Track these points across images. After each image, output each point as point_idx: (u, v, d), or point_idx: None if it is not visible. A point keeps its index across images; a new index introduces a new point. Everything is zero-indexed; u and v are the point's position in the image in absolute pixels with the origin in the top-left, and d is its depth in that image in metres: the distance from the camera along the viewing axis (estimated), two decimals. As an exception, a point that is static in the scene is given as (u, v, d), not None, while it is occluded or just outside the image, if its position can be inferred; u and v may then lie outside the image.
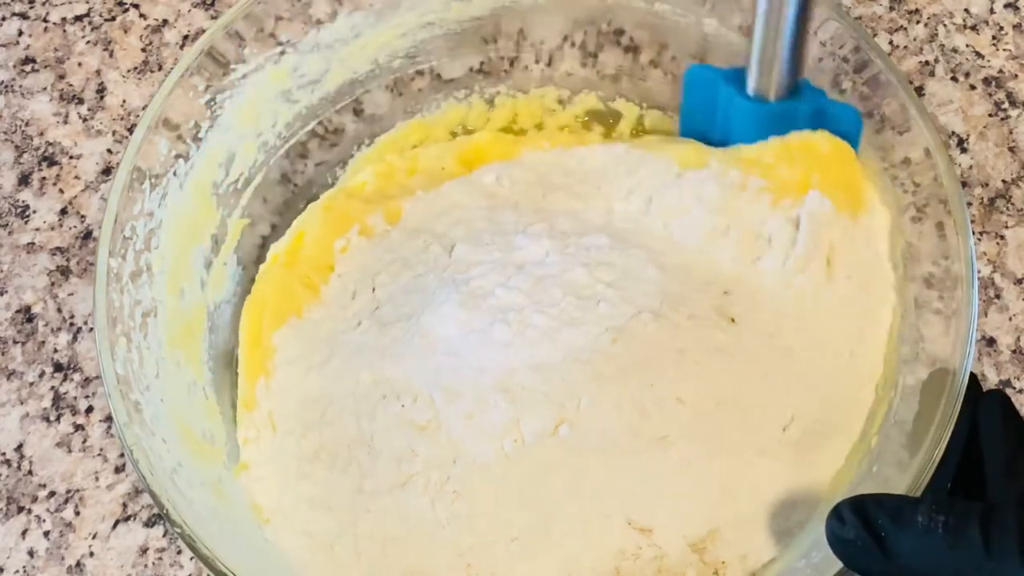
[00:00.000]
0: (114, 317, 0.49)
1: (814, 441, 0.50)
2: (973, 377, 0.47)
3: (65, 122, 0.66)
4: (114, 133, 0.66)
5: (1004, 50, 0.68)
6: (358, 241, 0.57)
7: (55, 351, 0.60)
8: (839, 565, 0.43)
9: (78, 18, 0.69)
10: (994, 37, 0.69)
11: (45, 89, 0.67)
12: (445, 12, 0.59)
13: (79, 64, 0.68)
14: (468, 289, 0.52)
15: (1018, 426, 0.46)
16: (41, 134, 0.66)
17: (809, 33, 0.50)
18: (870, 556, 0.41)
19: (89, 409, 0.58)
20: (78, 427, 0.58)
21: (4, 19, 0.69)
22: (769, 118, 0.53)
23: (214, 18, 0.69)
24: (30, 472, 0.57)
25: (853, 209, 0.52)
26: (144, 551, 0.55)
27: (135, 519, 0.56)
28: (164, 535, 0.55)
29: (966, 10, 0.69)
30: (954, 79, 0.67)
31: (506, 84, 0.63)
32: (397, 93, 0.62)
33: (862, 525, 0.41)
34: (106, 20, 0.69)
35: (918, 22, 0.69)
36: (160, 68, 0.68)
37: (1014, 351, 0.60)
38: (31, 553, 0.55)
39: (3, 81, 0.67)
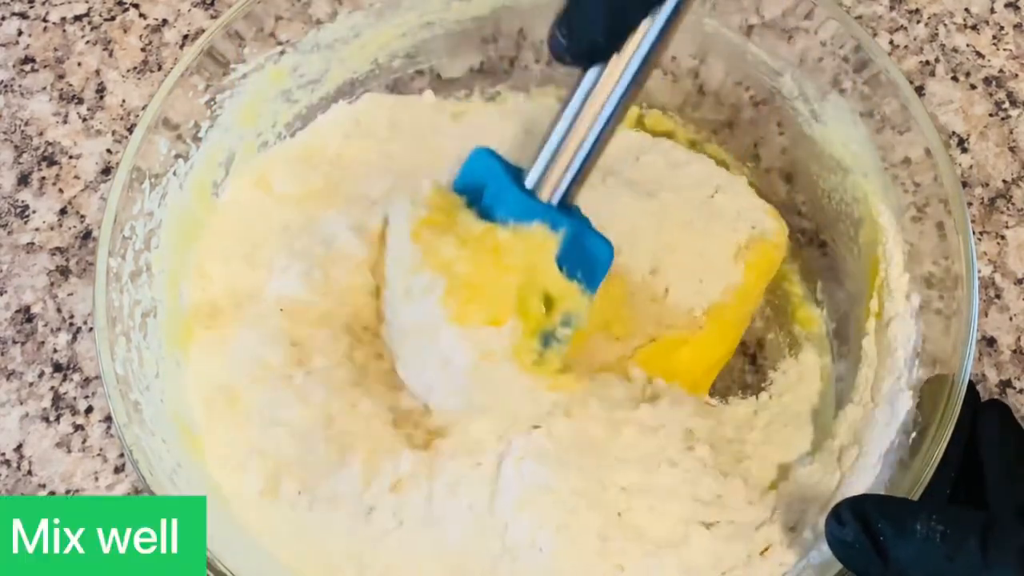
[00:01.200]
0: (114, 317, 0.49)
1: None
2: (971, 385, 0.47)
3: (65, 122, 0.66)
4: (114, 133, 0.66)
5: (1004, 50, 0.68)
6: None
7: (55, 351, 0.60)
8: (839, 566, 0.44)
9: (78, 18, 0.69)
10: (994, 37, 0.69)
11: (45, 89, 0.67)
12: (445, 12, 0.59)
13: (79, 64, 0.68)
14: None
15: (1017, 436, 0.47)
16: (41, 134, 0.66)
17: (602, 151, 0.48)
18: (868, 560, 0.41)
19: (89, 409, 0.58)
20: (78, 427, 0.58)
21: (4, 19, 0.69)
22: (532, 214, 0.49)
23: (214, 18, 0.68)
24: (30, 472, 0.57)
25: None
26: (144, 551, 0.55)
27: (135, 519, 0.56)
28: (164, 535, 0.55)
29: (966, 10, 0.69)
30: (954, 79, 0.67)
31: (506, 84, 0.63)
32: (397, 93, 0.62)
33: (861, 528, 0.41)
34: (106, 20, 0.69)
35: (918, 22, 0.69)
36: (160, 68, 0.68)
37: (1014, 351, 0.60)
38: (31, 553, 0.55)
39: (3, 81, 0.67)
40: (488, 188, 0.51)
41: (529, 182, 0.49)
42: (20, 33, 0.69)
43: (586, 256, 0.50)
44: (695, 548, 0.48)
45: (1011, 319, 0.61)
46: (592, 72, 0.45)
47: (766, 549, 0.49)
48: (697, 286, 0.56)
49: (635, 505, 0.49)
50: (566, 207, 0.49)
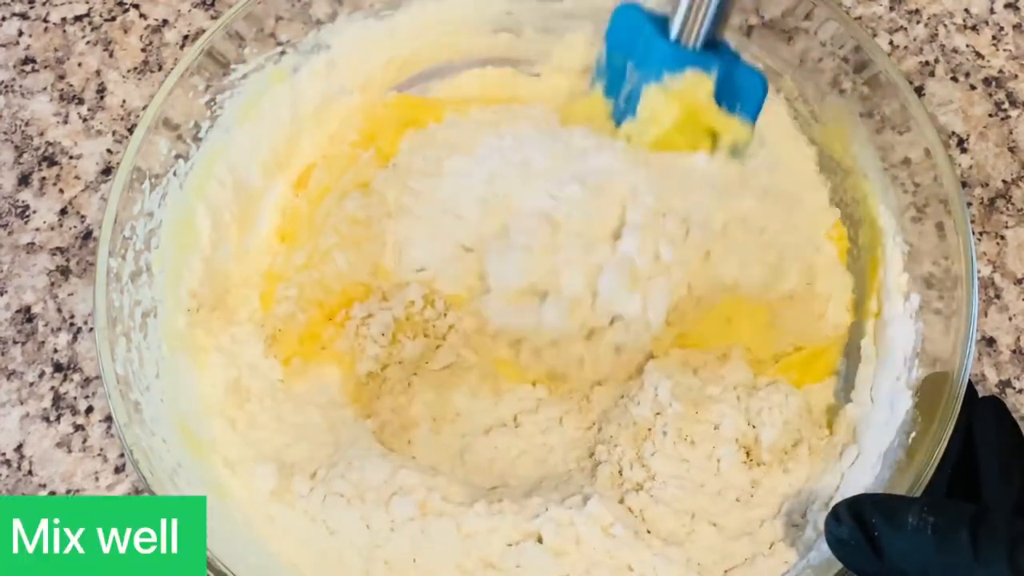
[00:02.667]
0: (114, 317, 0.49)
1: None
2: (969, 383, 0.47)
3: (65, 122, 0.66)
4: (114, 133, 0.66)
5: (1004, 50, 0.68)
6: None
7: (55, 351, 0.60)
8: (839, 565, 0.44)
9: (78, 18, 0.69)
10: (994, 37, 0.69)
11: (45, 89, 0.67)
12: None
13: (79, 64, 0.68)
14: None
15: (1013, 432, 0.47)
16: (41, 134, 0.66)
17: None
18: (864, 556, 0.41)
19: (89, 409, 0.58)
20: (78, 427, 0.58)
21: (4, 19, 0.69)
22: (683, 62, 0.52)
23: (214, 18, 0.68)
24: (30, 472, 0.57)
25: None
26: (144, 551, 0.55)
27: (135, 519, 0.56)
28: (164, 535, 0.55)
29: (966, 10, 0.69)
30: (954, 79, 0.67)
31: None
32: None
33: (857, 525, 0.41)
34: (106, 20, 0.69)
35: (918, 22, 0.69)
36: (160, 68, 0.68)
37: (1014, 351, 0.60)
38: (31, 553, 0.55)
39: (3, 81, 0.67)
40: (635, 48, 0.53)
41: (673, 33, 0.51)
42: (20, 33, 0.69)
43: (741, 89, 0.52)
44: (701, 545, 0.49)
45: (1011, 319, 0.61)
46: None
47: (769, 547, 0.49)
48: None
49: (647, 501, 0.49)
50: (713, 47, 0.51)
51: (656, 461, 0.50)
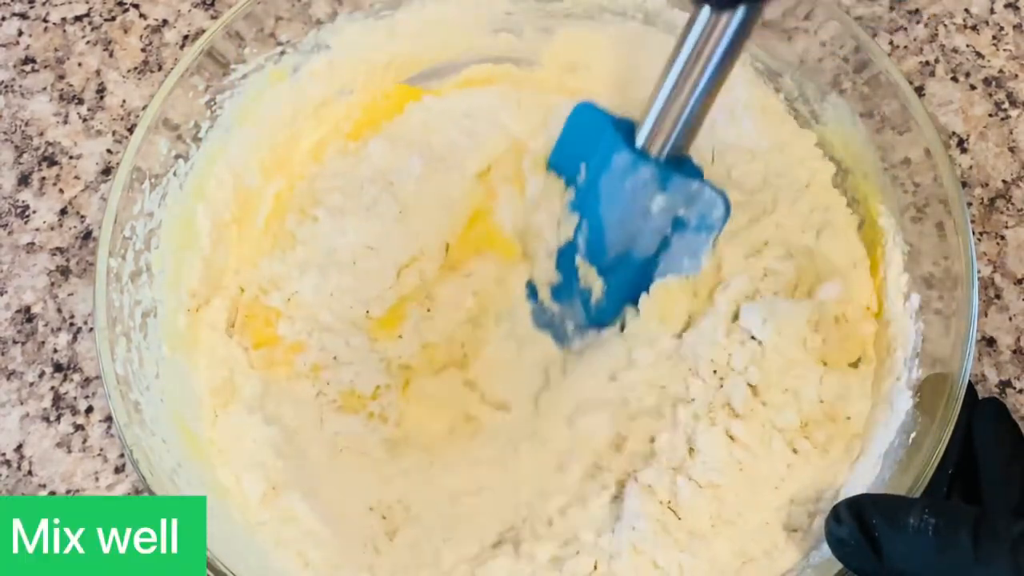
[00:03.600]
0: (114, 317, 0.49)
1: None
2: (968, 384, 0.47)
3: (65, 122, 0.66)
4: (114, 133, 0.66)
5: (1004, 50, 0.68)
6: None
7: (55, 351, 0.60)
8: (840, 566, 0.44)
9: (78, 18, 0.69)
10: (994, 37, 0.69)
11: (45, 89, 0.67)
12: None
13: (79, 64, 0.68)
14: None
15: (1013, 434, 0.47)
16: (41, 134, 0.66)
17: (715, 98, 0.48)
18: (864, 556, 0.41)
19: (89, 409, 0.58)
20: (78, 427, 0.58)
21: (4, 19, 0.69)
22: (646, 174, 0.50)
23: (214, 18, 0.68)
24: (30, 472, 0.57)
25: None
26: (144, 551, 0.55)
27: (135, 519, 0.56)
28: (164, 535, 0.55)
29: (966, 10, 0.69)
30: (954, 79, 0.67)
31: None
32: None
33: (858, 526, 0.41)
34: (106, 20, 0.69)
35: (918, 22, 0.69)
36: (160, 68, 0.68)
37: (1014, 351, 0.60)
38: (31, 553, 0.55)
39: (3, 81, 0.67)
40: (594, 150, 0.52)
41: (639, 140, 0.49)
42: (20, 33, 0.69)
43: (701, 207, 0.50)
44: (724, 538, 0.49)
45: (1011, 319, 0.61)
46: (703, 17, 0.44)
47: (783, 541, 0.49)
48: None
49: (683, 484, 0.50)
50: (678, 160, 0.49)
51: (703, 439, 0.50)
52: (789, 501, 0.49)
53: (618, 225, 0.52)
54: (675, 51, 0.46)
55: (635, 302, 0.54)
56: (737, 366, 0.51)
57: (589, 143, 0.52)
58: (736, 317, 0.53)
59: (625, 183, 0.51)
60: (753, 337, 0.52)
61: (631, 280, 0.53)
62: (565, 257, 0.55)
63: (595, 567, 0.49)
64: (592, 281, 0.54)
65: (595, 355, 0.55)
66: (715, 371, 0.52)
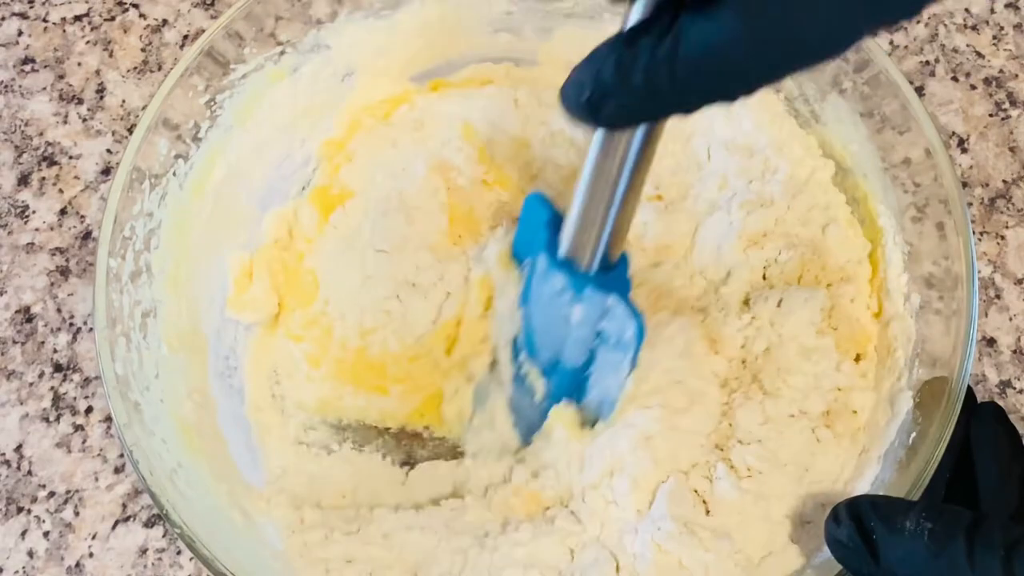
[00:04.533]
0: (114, 317, 0.49)
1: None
2: (968, 387, 0.47)
3: (65, 122, 0.66)
4: (114, 133, 0.66)
5: (1005, 50, 0.68)
6: None
7: (55, 351, 0.60)
8: (839, 567, 0.44)
9: (78, 18, 0.69)
10: (994, 37, 0.69)
11: (45, 89, 0.67)
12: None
13: (79, 64, 0.68)
14: None
15: (1011, 439, 0.47)
16: (41, 134, 0.66)
17: (636, 205, 0.43)
18: (861, 559, 0.41)
19: (89, 409, 0.58)
20: (78, 427, 0.58)
21: (4, 19, 0.69)
22: (560, 283, 0.47)
23: (214, 18, 0.68)
24: (30, 472, 0.57)
25: None
26: (144, 551, 0.55)
27: (135, 519, 0.56)
28: (164, 535, 0.55)
29: (966, 10, 0.69)
30: (954, 79, 0.67)
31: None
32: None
33: (856, 528, 0.41)
34: (106, 20, 0.69)
35: (918, 22, 0.69)
36: (160, 68, 0.68)
37: (1014, 351, 0.60)
38: (31, 554, 0.55)
39: (3, 81, 0.67)
40: (533, 249, 0.49)
41: (562, 251, 0.46)
42: (20, 33, 0.69)
43: (618, 324, 0.48)
44: (749, 530, 0.49)
45: (1011, 319, 0.60)
46: (599, 135, 0.41)
47: (798, 535, 0.49)
48: None
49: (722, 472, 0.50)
50: (609, 268, 0.46)
51: (742, 414, 0.51)
52: (807, 492, 0.49)
53: (545, 329, 0.50)
54: (583, 169, 0.42)
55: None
56: (756, 350, 0.52)
57: (535, 238, 0.49)
58: (746, 305, 0.54)
59: (545, 288, 0.48)
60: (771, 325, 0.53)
61: (566, 387, 0.51)
62: (515, 350, 0.53)
63: (617, 569, 0.49)
64: (535, 380, 0.52)
65: None
66: (739, 357, 0.53)
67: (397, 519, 0.51)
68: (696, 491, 0.49)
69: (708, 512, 0.49)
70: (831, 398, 0.51)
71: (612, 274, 0.47)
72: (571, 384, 0.51)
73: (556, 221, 0.47)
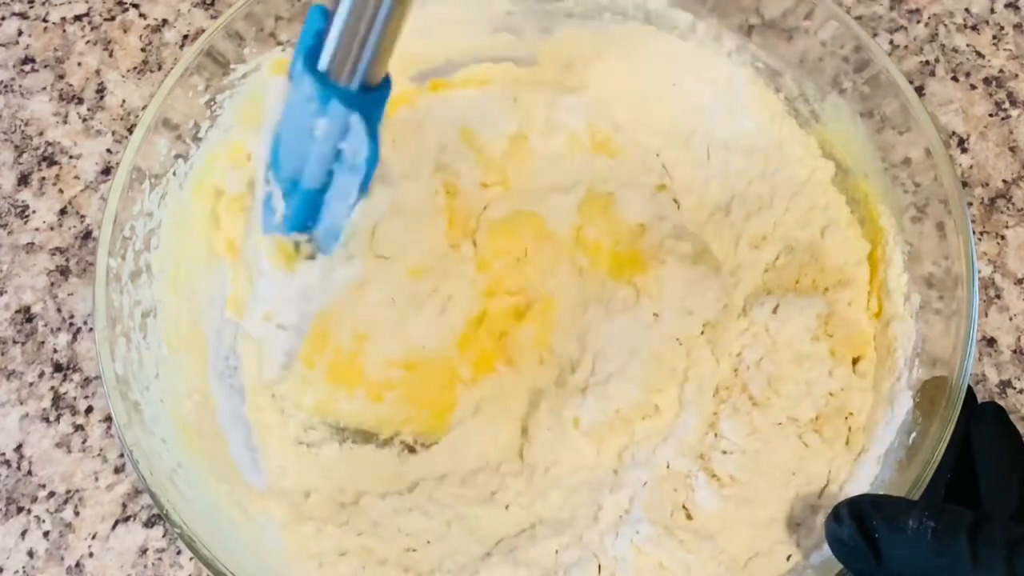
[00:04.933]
0: (114, 317, 0.49)
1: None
2: (968, 387, 0.47)
3: (65, 122, 0.66)
4: (114, 133, 0.66)
5: (1005, 50, 0.68)
6: None
7: (55, 351, 0.60)
8: (839, 566, 0.44)
9: (78, 18, 0.69)
10: (995, 37, 0.69)
11: (45, 89, 0.67)
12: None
13: (79, 64, 0.68)
14: None
15: (1012, 438, 0.47)
16: (41, 134, 0.66)
17: (404, 21, 0.43)
18: (863, 558, 0.41)
19: (89, 409, 0.58)
20: (78, 427, 0.58)
21: (4, 19, 0.69)
22: (309, 90, 0.43)
23: (214, 18, 0.68)
24: (30, 472, 0.57)
25: None
26: (144, 551, 0.55)
27: (135, 519, 0.56)
28: (164, 535, 0.55)
29: (966, 10, 0.69)
30: (954, 79, 0.67)
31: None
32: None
33: (857, 527, 0.41)
34: (106, 20, 0.69)
35: (918, 22, 0.69)
36: (160, 68, 0.68)
37: (1014, 351, 0.60)
38: (31, 553, 0.55)
39: (3, 81, 0.67)
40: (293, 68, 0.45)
41: (322, 62, 0.43)
42: (20, 33, 0.69)
43: (354, 145, 0.44)
44: (733, 534, 0.49)
45: (1011, 319, 0.60)
46: None
47: (789, 536, 0.49)
48: None
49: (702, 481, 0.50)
50: (368, 90, 0.43)
51: (729, 426, 0.51)
52: (795, 495, 0.49)
53: (290, 144, 0.46)
54: None
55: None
56: (749, 359, 0.52)
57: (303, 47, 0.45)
58: (744, 312, 0.54)
59: (296, 96, 0.44)
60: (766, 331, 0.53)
61: (302, 211, 0.46)
62: (267, 169, 0.47)
63: (599, 569, 0.49)
64: (277, 202, 0.46)
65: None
66: (731, 365, 0.53)
67: (385, 504, 0.51)
68: (676, 490, 0.50)
69: (689, 517, 0.49)
70: (822, 403, 0.51)
71: (368, 96, 0.44)
72: (307, 208, 0.46)
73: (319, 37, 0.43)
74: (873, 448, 0.49)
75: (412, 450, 0.55)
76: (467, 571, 0.50)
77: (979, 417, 0.47)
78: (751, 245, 0.56)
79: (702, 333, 0.54)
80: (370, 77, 0.43)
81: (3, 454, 0.57)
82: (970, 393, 0.47)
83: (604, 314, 0.55)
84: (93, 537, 0.55)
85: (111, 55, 0.68)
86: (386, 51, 0.43)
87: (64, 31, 0.69)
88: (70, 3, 0.70)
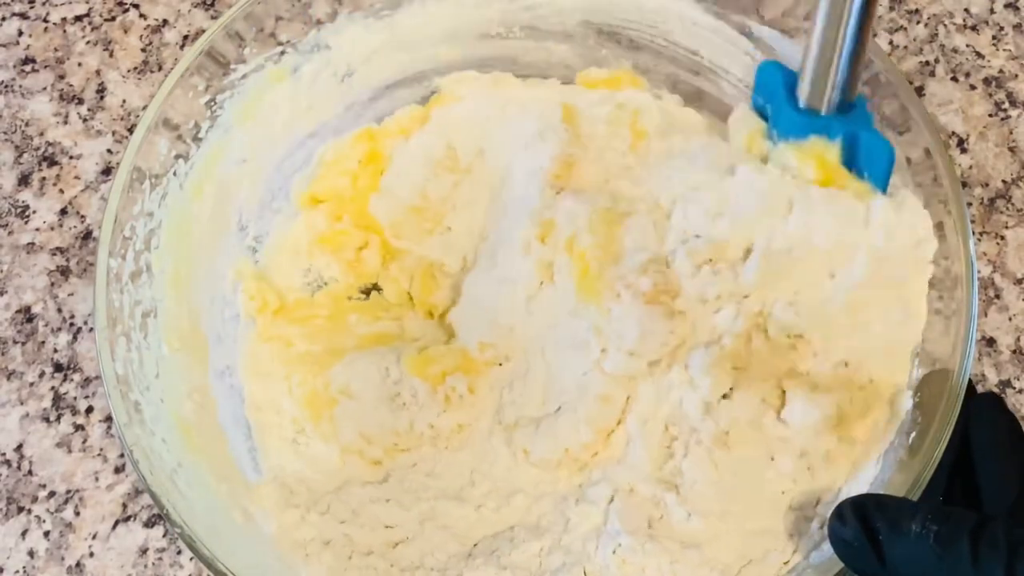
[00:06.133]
0: (114, 317, 0.49)
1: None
2: (969, 382, 0.47)
3: (65, 122, 0.66)
4: (114, 133, 0.66)
5: (1004, 50, 0.68)
6: None
7: (55, 351, 0.60)
8: (840, 565, 0.44)
9: (78, 18, 0.69)
10: (994, 37, 0.69)
11: (45, 89, 0.67)
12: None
13: (79, 64, 0.68)
14: None
15: (1010, 429, 0.46)
16: (41, 134, 0.66)
17: (869, 42, 0.48)
18: (866, 559, 0.41)
19: (89, 409, 0.58)
20: (78, 427, 0.58)
21: (4, 19, 0.69)
22: (807, 130, 0.50)
23: (214, 18, 0.69)
24: (30, 472, 0.57)
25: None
26: (144, 551, 0.55)
27: (135, 519, 0.56)
28: (164, 535, 0.55)
29: (966, 10, 0.69)
30: (954, 79, 0.67)
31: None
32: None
33: (861, 527, 0.41)
34: (106, 20, 0.69)
35: (918, 22, 0.69)
36: (160, 68, 0.68)
37: (1014, 351, 0.60)
38: (31, 553, 0.55)
39: (3, 81, 0.67)
40: (772, 109, 0.52)
41: (801, 100, 0.49)
42: (20, 33, 0.69)
43: (870, 155, 0.50)
44: (722, 544, 0.48)
45: (1011, 319, 0.61)
46: None
47: (783, 543, 0.49)
48: None
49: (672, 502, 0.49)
50: (848, 107, 0.49)
51: (688, 464, 0.50)
52: (788, 507, 0.49)
53: None
54: (815, 17, 0.47)
55: None
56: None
57: (769, 102, 0.53)
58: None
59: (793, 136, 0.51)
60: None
61: None
62: None
63: (584, 574, 0.49)
64: None
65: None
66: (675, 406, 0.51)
67: (364, 493, 0.52)
68: (650, 505, 0.49)
69: (671, 526, 0.49)
70: (803, 464, 0.49)
71: (852, 113, 0.50)
72: None
73: (791, 79, 0.50)
74: (873, 448, 0.49)
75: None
76: (452, 571, 0.49)
77: (977, 408, 0.47)
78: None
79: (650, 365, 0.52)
80: (849, 97, 0.49)
81: (3, 454, 0.57)
82: (970, 386, 0.47)
83: (559, 347, 0.54)
84: (93, 537, 0.55)
85: (111, 55, 0.68)
86: (860, 69, 0.48)
87: (64, 31, 0.69)
88: (70, 3, 0.70)
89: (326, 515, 0.51)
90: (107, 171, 0.65)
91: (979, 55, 0.68)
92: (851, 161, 0.50)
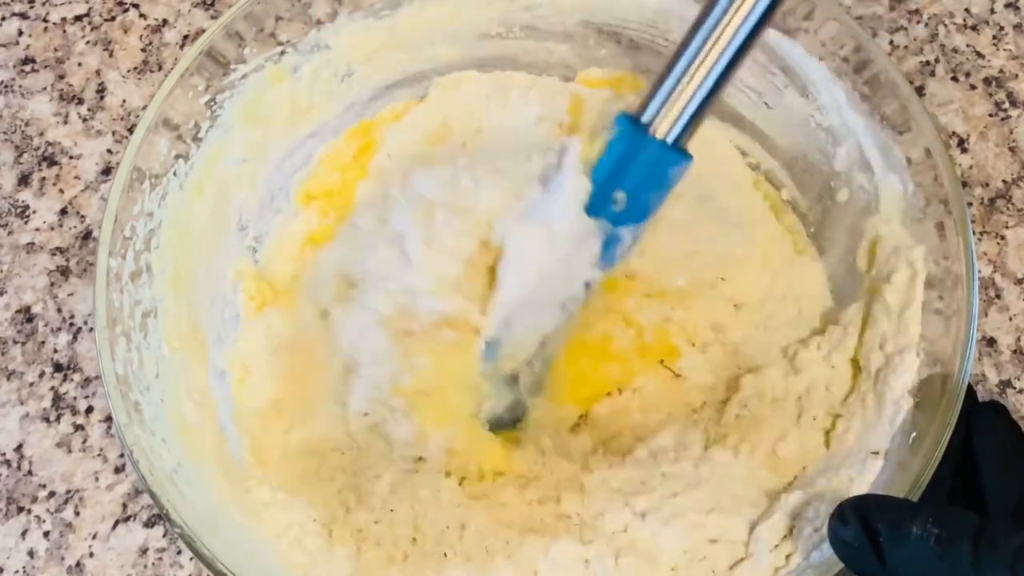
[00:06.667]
0: (114, 317, 0.49)
1: None
2: (969, 386, 0.47)
3: (65, 122, 0.66)
4: (114, 133, 0.66)
5: (1005, 50, 0.68)
6: None
7: (55, 351, 0.60)
8: (840, 565, 0.44)
9: (78, 18, 0.69)
10: (994, 37, 0.69)
11: (45, 89, 0.67)
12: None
13: (79, 64, 0.68)
14: None
15: (1013, 436, 0.46)
16: (41, 134, 0.66)
17: (724, 89, 0.46)
18: (867, 560, 0.41)
19: (89, 409, 0.58)
20: (78, 427, 0.58)
21: (4, 19, 0.69)
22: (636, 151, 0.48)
23: (214, 18, 0.69)
24: (30, 472, 0.57)
25: None
26: (144, 551, 0.55)
27: (135, 519, 0.56)
28: (164, 535, 0.55)
29: (966, 10, 0.69)
30: (954, 79, 0.67)
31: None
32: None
33: (862, 528, 0.41)
34: (106, 20, 0.69)
35: (918, 22, 0.69)
36: (160, 68, 0.68)
37: (1014, 351, 0.60)
38: (31, 553, 0.55)
39: (3, 81, 0.67)
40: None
41: (646, 116, 0.47)
42: (20, 33, 0.69)
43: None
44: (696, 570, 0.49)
45: (1011, 319, 0.61)
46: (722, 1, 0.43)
47: (775, 547, 0.49)
48: None
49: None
50: (675, 151, 0.47)
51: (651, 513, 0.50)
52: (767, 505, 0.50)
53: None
54: (691, 31, 0.45)
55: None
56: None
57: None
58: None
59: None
60: None
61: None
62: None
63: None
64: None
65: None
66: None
67: (344, 460, 0.52)
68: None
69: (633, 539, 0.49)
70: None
71: (673, 155, 0.47)
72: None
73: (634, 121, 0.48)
74: (873, 448, 0.49)
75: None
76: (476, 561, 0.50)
77: (980, 415, 0.47)
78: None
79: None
80: (681, 141, 0.47)
81: (3, 454, 0.57)
82: (971, 391, 0.47)
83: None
84: (93, 537, 0.55)
85: (111, 55, 0.68)
86: (702, 115, 0.46)
87: (64, 31, 0.69)
88: (70, 3, 0.70)
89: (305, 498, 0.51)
90: (107, 171, 0.65)
91: (979, 55, 0.68)
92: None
